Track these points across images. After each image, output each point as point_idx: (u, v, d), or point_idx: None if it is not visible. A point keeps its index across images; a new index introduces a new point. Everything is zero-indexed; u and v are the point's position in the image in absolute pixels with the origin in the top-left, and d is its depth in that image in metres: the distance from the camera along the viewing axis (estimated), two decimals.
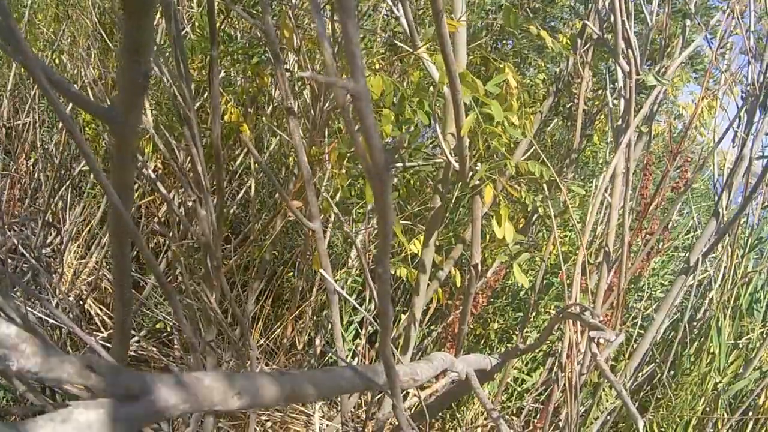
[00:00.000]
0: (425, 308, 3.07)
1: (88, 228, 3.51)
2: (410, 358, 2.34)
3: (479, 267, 2.04)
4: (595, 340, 1.62)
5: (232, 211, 3.35)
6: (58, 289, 3.27)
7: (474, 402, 3.03)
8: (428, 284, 2.44)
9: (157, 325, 3.23)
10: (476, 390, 1.85)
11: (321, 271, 1.75)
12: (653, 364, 2.67)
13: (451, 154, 1.93)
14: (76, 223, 3.48)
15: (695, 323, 2.82)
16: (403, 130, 1.98)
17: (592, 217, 1.91)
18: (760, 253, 3.25)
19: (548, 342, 2.84)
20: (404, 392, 2.11)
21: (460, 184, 2.22)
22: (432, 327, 3.07)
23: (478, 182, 1.87)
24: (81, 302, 3.45)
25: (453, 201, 2.98)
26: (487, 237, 2.55)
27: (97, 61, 3.53)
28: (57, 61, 3.66)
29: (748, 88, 2.60)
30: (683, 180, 2.47)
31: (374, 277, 1.27)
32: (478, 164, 1.96)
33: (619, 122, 2.05)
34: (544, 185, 2.17)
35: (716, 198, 2.55)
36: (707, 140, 3.08)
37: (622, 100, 2.04)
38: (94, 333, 3.34)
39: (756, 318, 3.00)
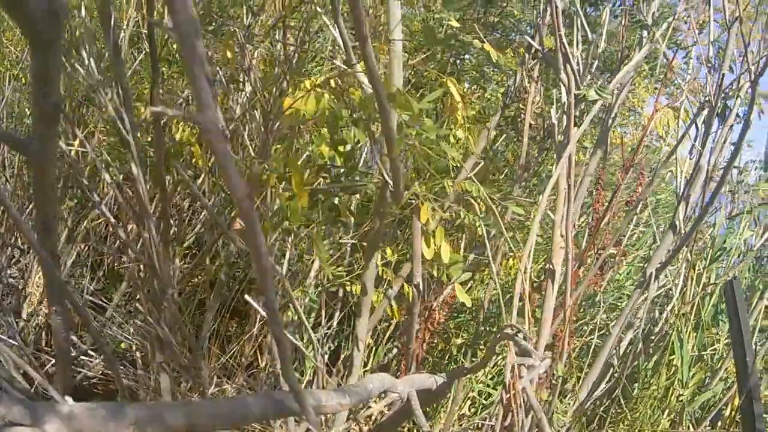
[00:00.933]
0: (387, 324, 3.03)
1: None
2: (359, 378, 2.30)
3: (420, 286, 2.00)
4: (524, 365, 1.58)
5: (196, 230, 3.31)
6: (24, 311, 3.24)
7: (441, 416, 2.98)
8: (377, 302, 2.40)
9: (121, 345, 3.19)
10: (415, 411, 1.81)
11: (247, 297, 1.70)
12: (613, 379, 2.62)
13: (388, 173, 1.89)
14: None
15: (653, 336, 2.76)
16: (341, 150, 1.94)
17: (532, 236, 1.86)
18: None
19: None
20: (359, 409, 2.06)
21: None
22: (396, 343, 3.02)
23: (414, 201, 1.83)
24: (48, 323, 3.41)
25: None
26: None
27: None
28: (24, 80, 3.63)
29: (706, 98, 2.56)
30: (637, 194, 2.43)
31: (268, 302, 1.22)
32: (416, 183, 1.91)
33: (561, 138, 2.01)
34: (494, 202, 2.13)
35: (674, 210, 2.50)
36: (669, 150, 3.02)
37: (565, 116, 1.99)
38: None
39: (721, 329, 2.94)
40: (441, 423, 2.98)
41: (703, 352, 2.88)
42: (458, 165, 2.28)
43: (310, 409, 1.35)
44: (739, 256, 3.03)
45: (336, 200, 2.03)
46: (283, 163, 1.87)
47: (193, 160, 2.63)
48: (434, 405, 3.05)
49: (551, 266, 2.03)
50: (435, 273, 2.56)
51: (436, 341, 3.07)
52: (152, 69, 2.16)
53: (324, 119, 1.87)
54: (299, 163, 2.35)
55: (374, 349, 3.13)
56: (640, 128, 3.50)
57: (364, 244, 2.78)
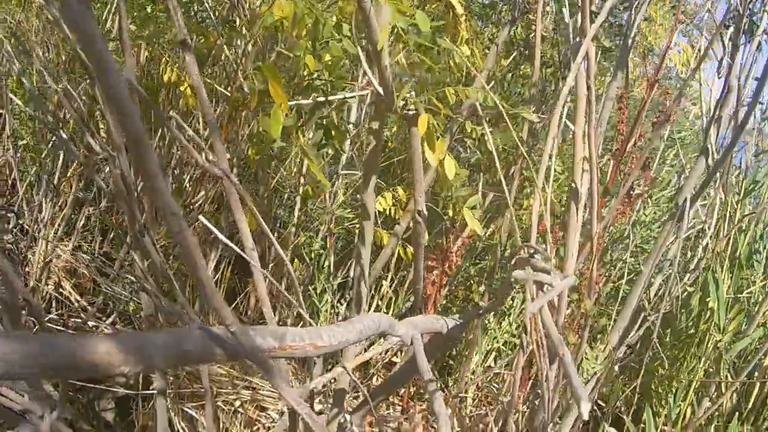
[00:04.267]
0: (407, 273, 2.67)
1: (62, 215, 3.13)
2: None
3: (425, 213, 1.62)
4: (544, 288, 1.21)
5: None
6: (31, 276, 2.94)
7: (470, 361, 2.61)
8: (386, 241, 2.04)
9: (130, 306, 2.88)
10: (418, 357, 1.44)
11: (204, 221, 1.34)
12: (647, 323, 2.20)
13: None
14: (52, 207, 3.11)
15: (688, 276, 2.35)
16: (325, 59, 1.58)
17: (547, 151, 1.49)
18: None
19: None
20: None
21: None
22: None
23: (410, 111, 1.46)
24: (60, 289, 3.11)
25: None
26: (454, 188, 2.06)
27: None
28: None
29: (733, 13, 2.17)
30: (663, 111, 2.02)
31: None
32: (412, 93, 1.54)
33: (576, 39, 1.62)
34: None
35: (704, 134, 2.10)
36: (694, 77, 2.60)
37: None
38: (74, 319, 3.00)
39: (756, 270, 2.52)
40: (466, 373, 2.63)
41: (738, 295, 2.46)
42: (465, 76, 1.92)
43: (253, 350, 0.99)
44: None
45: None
46: (261, 74, 1.51)
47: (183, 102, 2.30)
48: (458, 357, 2.71)
49: (573, 185, 1.65)
50: (447, 210, 2.21)
51: (456, 288, 2.70)
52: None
53: (303, 26, 1.51)
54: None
55: (393, 300, 2.79)
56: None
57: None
